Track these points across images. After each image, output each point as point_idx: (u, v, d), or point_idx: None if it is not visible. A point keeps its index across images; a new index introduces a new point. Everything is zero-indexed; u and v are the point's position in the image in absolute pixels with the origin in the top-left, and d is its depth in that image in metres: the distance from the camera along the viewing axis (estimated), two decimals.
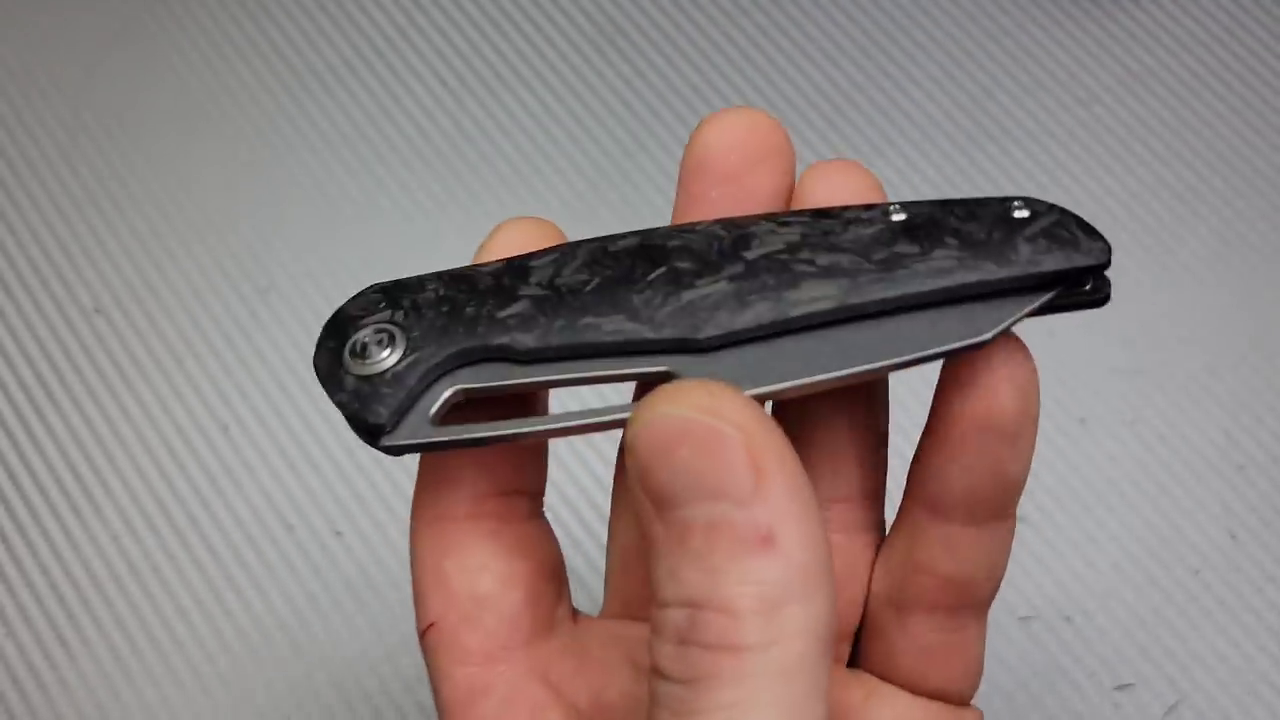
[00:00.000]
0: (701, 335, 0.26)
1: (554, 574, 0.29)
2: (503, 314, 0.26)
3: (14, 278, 0.53)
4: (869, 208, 0.27)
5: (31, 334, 0.52)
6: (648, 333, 0.26)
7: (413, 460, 0.49)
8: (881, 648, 0.31)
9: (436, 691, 0.28)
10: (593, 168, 0.55)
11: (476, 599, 0.28)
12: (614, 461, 0.32)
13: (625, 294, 0.26)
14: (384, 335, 0.26)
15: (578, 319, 0.26)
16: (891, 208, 0.27)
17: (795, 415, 0.30)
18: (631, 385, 0.30)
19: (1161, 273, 0.52)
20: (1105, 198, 0.54)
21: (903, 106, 0.56)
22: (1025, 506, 0.48)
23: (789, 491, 0.23)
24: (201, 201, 0.55)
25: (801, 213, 0.27)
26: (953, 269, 0.26)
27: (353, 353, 0.26)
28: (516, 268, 0.27)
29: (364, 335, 0.26)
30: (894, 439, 0.31)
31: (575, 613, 0.30)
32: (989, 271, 0.26)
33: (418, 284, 0.27)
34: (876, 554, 0.31)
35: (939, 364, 0.28)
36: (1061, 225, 0.26)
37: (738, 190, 0.28)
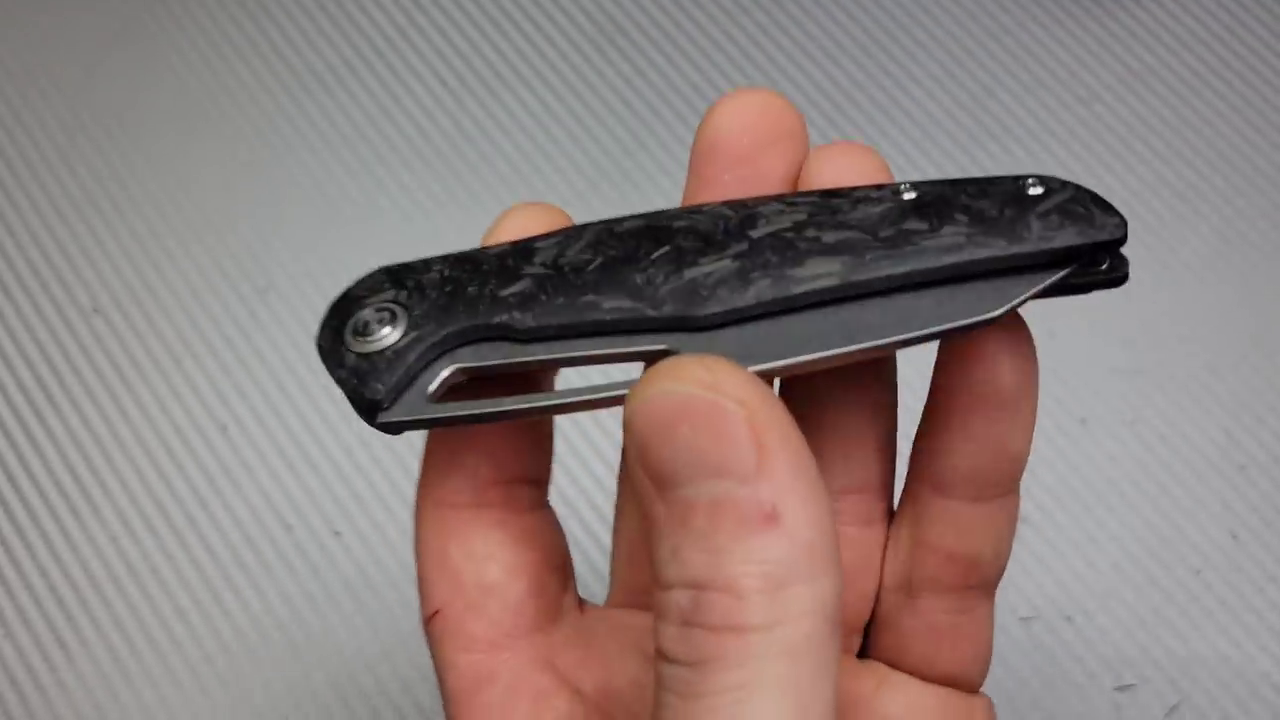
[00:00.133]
0: (702, 312, 0.26)
1: (560, 563, 0.29)
2: (504, 293, 0.26)
3: (13, 278, 0.53)
4: (879, 187, 0.27)
5: (30, 334, 0.52)
6: (648, 310, 0.26)
7: (413, 459, 0.49)
8: (891, 635, 0.31)
9: (441, 679, 0.28)
10: (593, 167, 0.55)
11: (483, 587, 0.28)
12: (621, 448, 0.31)
13: (628, 273, 0.26)
14: (386, 314, 0.26)
15: (578, 297, 0.26)
16: (902, 186, 0.27)
17: (805, 402, 0.29)
18: (638, 364, 0.29)
19: (1162, 272, 0.52)
20: (1106, 196, 0.53)
21: (903, 105, 0.56)
22: (1026, 507, 0.48)
23: (793, 468, 0.22)
24: (200, 202, 0.55)
25: (811, 193, 0.27)
26: (962, 245, 0.25)
27: (355, 331, 0.26)
28: (522, 249, 0.27)
29: (366, 314, 0.27)
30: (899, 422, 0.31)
31: (581, 602, 0.30)
32: (999, 248, 0.25)
33: (423, 266, 0.27)
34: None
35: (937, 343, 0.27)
36: (1076, 201, 0.26)
37: (750, 173, 0.28)
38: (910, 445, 0.30)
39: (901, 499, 0.30)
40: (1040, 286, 0.26)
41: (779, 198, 0.27)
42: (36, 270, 0.54)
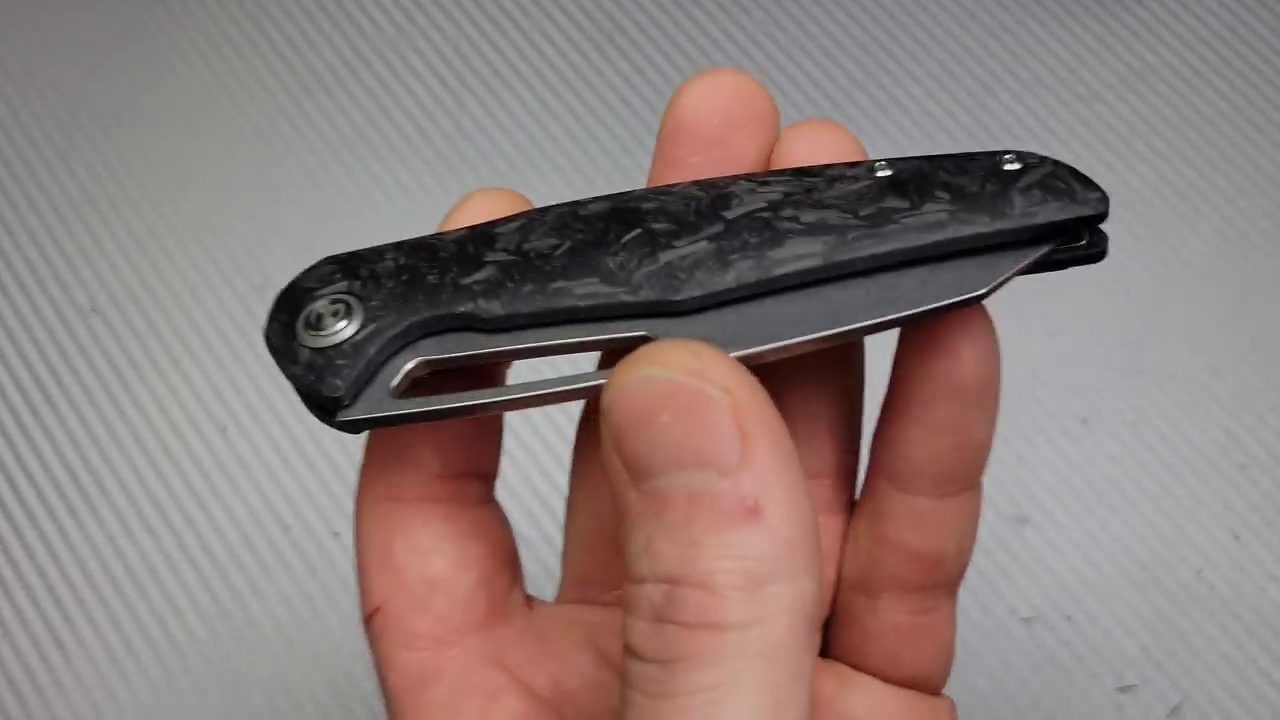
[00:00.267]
0: (681, 296, 0.25)
1: (508, 559, 0.28)
2: (467, 281, 0.25)
3: (11, 278, 0.53)
4: (854, 165, 0.26)
5: (28, 334, 0.52)
6: (624, 295, 0.25)
7: None
8: (853, 635, 0.30)
9: (383, 679, 0.27)
10: (592, 166, 0.55)
11: (427, 581, 0.26)
12: (572, 439, 0.30)
13: (598, 257, 0.25)
14: (340, 306, 0.25)
15: (547, 284, 0.25)
16: (878, 164, 0.26)
17: (769, 384, 0.28)
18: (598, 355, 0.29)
19: (1163, 271, 0.52)
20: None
21: (903, 103, 0.56)
22: (1027, 507, 0.48)
23: (776, 460, 0.21)
24: (199, 201, 0.55)
25: (782, 172, 0.26)
26: (944, 223, 0.25)
27: (307, 324, 0.25)
28: (481, 234, 0.26)
29: (319, 306, 0.25)
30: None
31: (530, 599, 0.29)
32: (982, 225, 0.25)
33: (376, 254, 0.26)
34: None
35: (896, 333, 0.27)
36: (1056, 176, 0.25)
37: (720, 155, 0.27)
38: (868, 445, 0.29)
39: (861, 494, 0.30)
40: (1023, 264, 0.25)
41: (749, 177, 0.26)
42: (35, 270, 0.54)
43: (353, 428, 0.25)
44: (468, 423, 0.27)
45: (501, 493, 0.29)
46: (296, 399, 0.50)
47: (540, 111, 0.57)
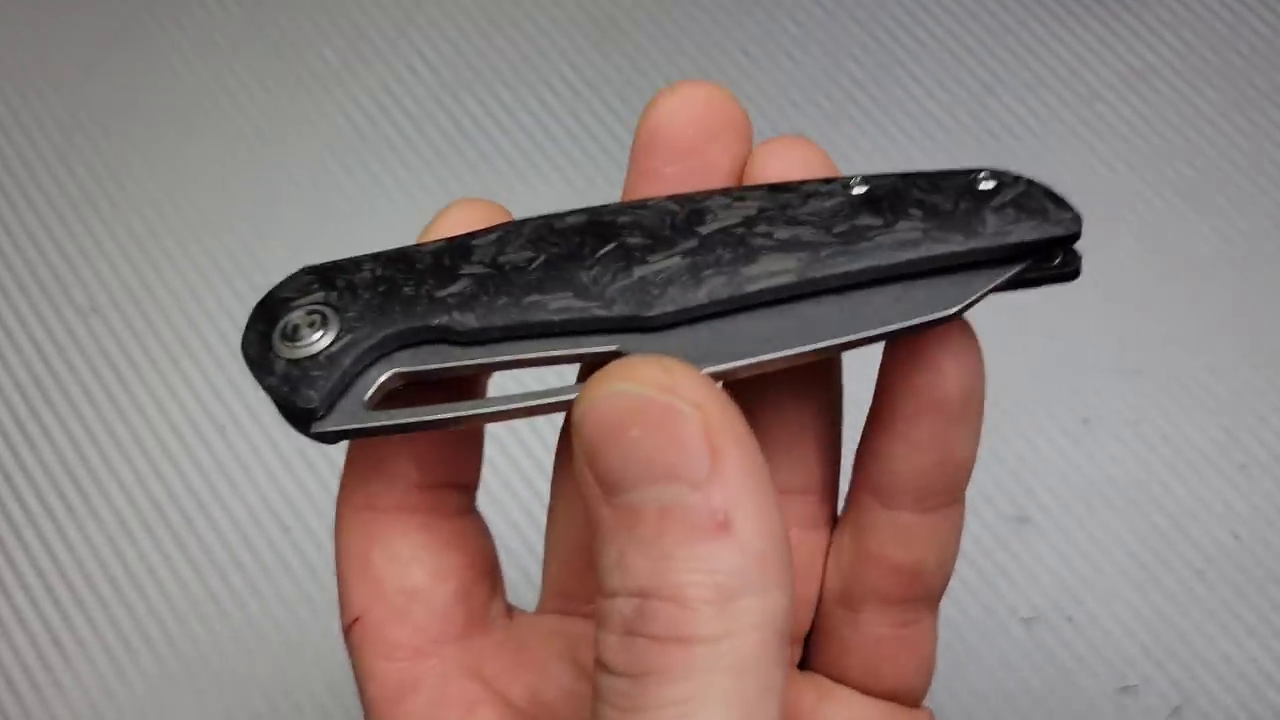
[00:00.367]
0: (653, 312, 0.25)
1: (487, 569, 0.28)
2: (442, 293, 0.25)
3: (10, 277, 0.53)
4: (828, 181, 0.26)
5: (27, 334, 0.52)
6: (597, 310, 0.25)
7: None
8: (833, 647, 0.30)
9: (362, 689, 0.27)
10: (592, 166, 0.55)
11: (406, 591, 0.26)
12: (555, 448, 0.30)
13: (573, 271, 0.25)
14: (316, 316, 0.25)
15: (522, 297, 0.25)
16: (852, 180, 0.26)
17: (749, 401, 0.28)
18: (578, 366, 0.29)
19: (1164, 271, 0.52)
20: (1107, 195, 0.53)
21: (904, 104, 0.56)
22: (1028, 507, 0.48)
23: (746, 475, 0.22)
24: (198, 201, 0.55)
25: (757, 187, 0.26)
26: (918, 241, 0.25)
27: (283, 335, 0.25)
28: (458, 247, 0.26)
29: (295, 316, 0.25)
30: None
31: (510, 609, 0.29)
32: (956, 243, 0.25)
33: (353, 265, 0.26)
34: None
35: (881, 347, 0.27)
36: (1029, 195, 0.25)
37: (693, 166, 0.27)
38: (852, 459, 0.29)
39: (844, 508, 0.30)
40: (996, 282, 0.25)
41: (725, 192, 0.26)
42: (34, 270, 0.53)
43: (328, 439, 0.25)
44: (446, 434, 0.27)
45: (484, 500, 0.29)
46: None
47: (540, 111, 0.57)
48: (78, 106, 0.57)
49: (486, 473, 0.29)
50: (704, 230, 0.25)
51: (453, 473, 0.28)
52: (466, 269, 0.25)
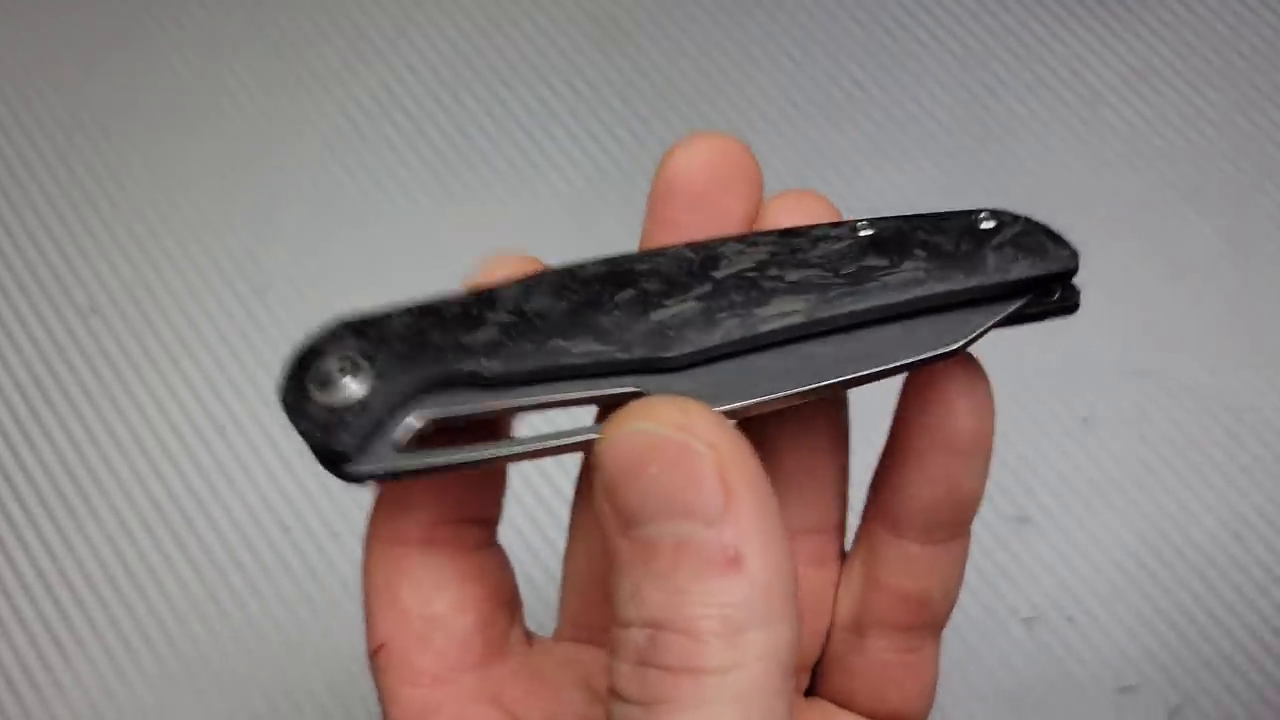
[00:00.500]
0: (670, 353, 0.26)
1: (507, 599, 0.29)
2: (469, 340, 0.26)
3: (10, 277, 0.53)
4: (836, 225, 0.27)
5: (27, 333, 0.52)
6: (617, 353, 0.26)
7: None
8: (840, 673, 0.31)
9: (385, 712, 0.28)
10: (592, 165, 0.55)
11: (428, 619, 0.28)
12: (575, 480, 0.32)
13: (593, 317, 0.26)
14: (349, 364, 0.26)
15: (545, 342, 0.26)
16: (859, 224, 0.27)
17: (762, 444, 0.29)
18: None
19: (1166, 272, 0.52)
20: (1109, 197, 0.53)
21: (905, 106, 0.56)
22: (1028, 506, 0.48)
23: (757, 513, 0.23)
24: (198, 201, 0.55)
25: (769, 232, 0.27)
26: (922, 280, 0.26)
27: (318, 382, 0.26)
28: (485, 298, 0.27)
29: (329, 365, 0.26)
30: (851, 463, 0.31)
31: (529, 636, 0.30)
32: (958, 281, 0.26)
33: (384, 316, 0.27)
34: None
35: (900, 382, 0.28)
36: (1028, 234, 0.27)
37: (707, 214, 0.28)
38: (863, 485, 0.30)
39: (856, 537, 0.31)
40: (998, 318, 0.26)
41: (739, 238, 0.27)
42: (34, 270, 0.53)
43: (359, 479, 0.26)
44: (470, 473, 0.28)
45: (507, 529, 0.30)
46: None
47: (540, 111, 0.57)
48: (78, 106, 0.57)
49: (510, 502, 0.30)
50: (718, 274, 0.27)
51: (475, 509, 0.29)
52: (493, 317, 0.27)
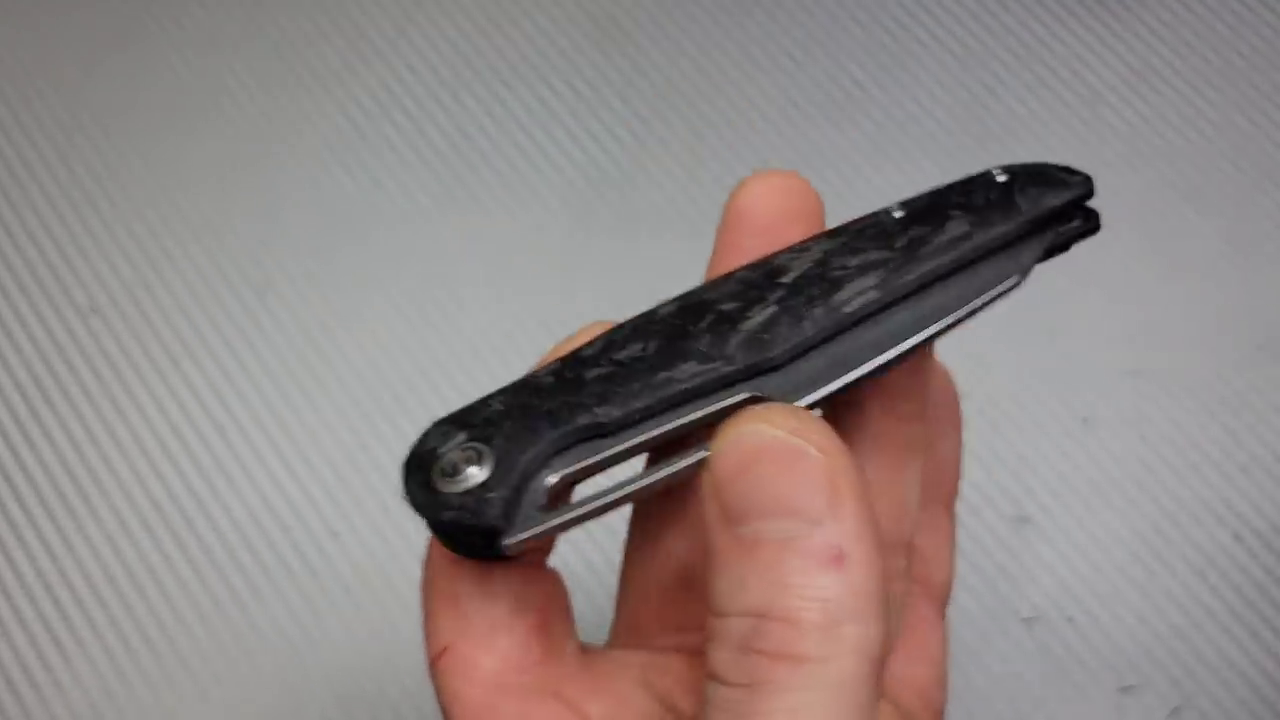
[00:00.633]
0: (773, 354, 0.27)
1: (563, 608, 0.30)
2: (576, 399, 0.28)
3: (9, 277, 0.53)
4: (869, 215, 0.29)
5: (27, 333, 0.52)
6: (723, 368, 0.27)
7: None
8: None
9: (448, 713, 0.29)
10: (592, 165, 0.55)
11: (492, 622, 0.29)
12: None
13: (686, 345, 0.28)
14: (471, 453, 0.27)
15: (651, 378, 0.28)
16: (891, 208, 0.29)
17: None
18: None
19: (1166, 271, 0.52)
20: (1110, 196, 0.53)
21: (905, 105, 0.56)
22: (1028, 506, 0.48)
23: (860, 516, 0.24)
24: (199, 201, 0.55)
25: (813, 237, 0.29)
26: (969, 233, 0.28)
27: (443, 474, 0.27)
28: (571, 362, 0.29)
29: (450, 456, 0.27)
30: None
31: (582, 646, 0.31)
32: (1000, 225, 0.29)
33: (481, 404, 0.28)
34: None
35: None
36: (1041, 173, 0.29)
37: (772, 242, 0.30)
38: None
39: None
40: (1044, 246, 0.29)
41: (787, 249, 0.29)
42: (34, 269, 0.53)
43: (514, 550, 0.27)
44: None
45: (561, 547, 0.31)
46: (295, 399, 0.50)
47: (540, 111, 0.57)
48: (78, 106, 0.57)
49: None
50: (786, 280, 0.29)
51: None
52: (590, 374, 0.28)
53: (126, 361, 0.52)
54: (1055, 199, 0.29)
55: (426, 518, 0.27)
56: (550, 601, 0.30)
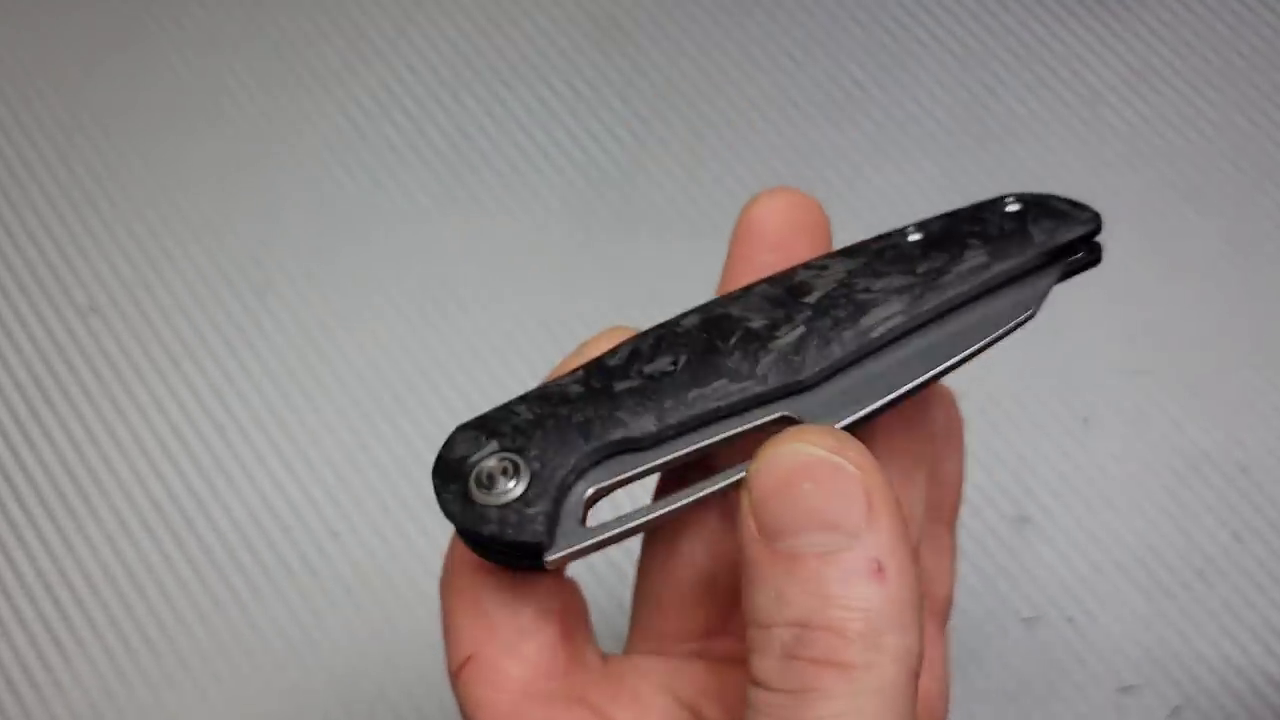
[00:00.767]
0: (805, 375, 0.28)
1: (583, 617, 0.31)
2: (608, 413, 0.28)
3: (9, 277, 0.53)
4: (885, 236, 0.30)
5: (26, 333, 0.52)
6: (755, 387, 0.28)
7: (411, 461, 0.49)
8: None
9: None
10: (592, 165, 0.55)
11: (517, 629, 0.29)
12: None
13: (716, 362, 0.28)
14: (507, 464, 0.27)
15: (684, 394, 0.28)
16: (907, 229, 0.30)
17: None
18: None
19: (1165, 271, 0.52)
20: (1110, 196, 0.53)
21: (905, 106, 0.56)
22: (1028, 506, 0.48)
23: (896, 530, 0.25)
24: (199, 201, 0.55)
25: (830, 255, 0.30)
26: (987, 264, 0.29)
27: (480, 485, 0.27)
28: (595, 372, 0.29)
29: (487, 466, 0.27)
30: None
31: (602, 653, 0.31)
32: (1015, 257, 0.29)
33: (506, 411, 0.28)
34: None
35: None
36: (1053, 206, 0.30)
37: (783, 256, 0.31)
38: None
39: None
40: (1054, 279, 0.30)
41: (805, 266, 0.30)
42: (34, 269, 0.53)
43: (556, 565, 0.27)
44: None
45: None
46: (295, 399, 0.50)
47: (540, 111, 0.57)
48: (78, 106, 0.57)
49: None
50: (810, 300, 0.29)
51: None
52: (619, 386, 0.28)
53: (126, 361, 0.52)
54: (1067, 234, 0.29)
55: (464, 530, 0.27)
56: (571, 608, 0.30)
